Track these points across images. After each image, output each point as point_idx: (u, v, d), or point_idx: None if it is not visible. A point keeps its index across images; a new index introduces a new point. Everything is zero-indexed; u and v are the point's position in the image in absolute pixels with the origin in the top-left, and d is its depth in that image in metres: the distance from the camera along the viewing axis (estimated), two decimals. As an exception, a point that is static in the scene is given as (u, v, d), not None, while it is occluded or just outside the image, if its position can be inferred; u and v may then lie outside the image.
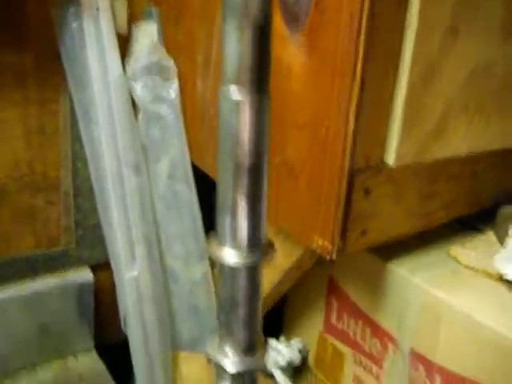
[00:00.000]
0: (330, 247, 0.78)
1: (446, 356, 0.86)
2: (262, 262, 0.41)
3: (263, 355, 0.40)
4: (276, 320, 1.27)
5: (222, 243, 0.41)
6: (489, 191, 1.02)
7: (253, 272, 0.40)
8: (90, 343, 1.29)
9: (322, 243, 0.78)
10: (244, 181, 0.41)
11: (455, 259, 0.92)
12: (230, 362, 0.39)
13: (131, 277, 1.05)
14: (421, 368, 0.89)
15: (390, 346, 0.94)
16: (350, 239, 0.79)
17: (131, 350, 1.10)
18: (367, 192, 0.79)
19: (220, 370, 0.39)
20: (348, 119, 0.71)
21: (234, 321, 0.39)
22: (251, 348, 0.40)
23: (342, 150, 0.73)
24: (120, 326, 1.13)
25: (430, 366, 0.88)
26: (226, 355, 0.40)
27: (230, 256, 0.40)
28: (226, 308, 0.39)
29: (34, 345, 1.21)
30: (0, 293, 1.13)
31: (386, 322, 0.95)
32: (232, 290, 0.38)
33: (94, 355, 1.29)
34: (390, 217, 0.84)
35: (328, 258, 0.79)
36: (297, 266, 0.95)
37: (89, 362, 1.27)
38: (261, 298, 0.39)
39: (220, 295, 0.38)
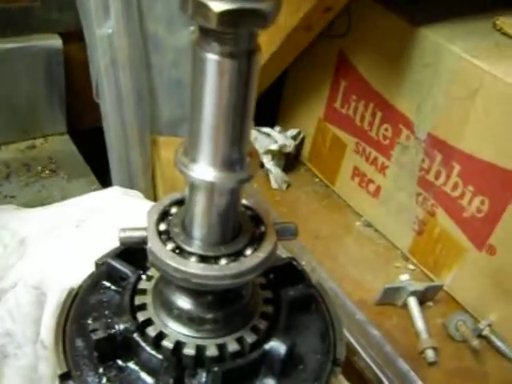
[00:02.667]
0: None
1: (471, 141, 0.72)
2: None
3: None
4: (270, 111, 1.13)
5: None
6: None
7: None
8: (62, 127, 1.14)
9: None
10: None
11: (501, 30, 0.75)
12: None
13: (104, 34, 0.88)
14: (438, 156, 0.77)
15: (404, 132, 0.81)
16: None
17: (104, 125, 0.96)
18: None
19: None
20: None
21: None
22: None
23: None
24: (95, 111, 0.98)
25: (449, 153, 0.75)
26: None
27: None
28: None
29: (-1, 122, 1.07)
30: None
31: (404, 104, 0.80)
32: None
33: (66, 138, 1.15)
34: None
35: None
36: (304, 27, 0.78)
37: (60, 144, 1.14)
38: None
39: None
